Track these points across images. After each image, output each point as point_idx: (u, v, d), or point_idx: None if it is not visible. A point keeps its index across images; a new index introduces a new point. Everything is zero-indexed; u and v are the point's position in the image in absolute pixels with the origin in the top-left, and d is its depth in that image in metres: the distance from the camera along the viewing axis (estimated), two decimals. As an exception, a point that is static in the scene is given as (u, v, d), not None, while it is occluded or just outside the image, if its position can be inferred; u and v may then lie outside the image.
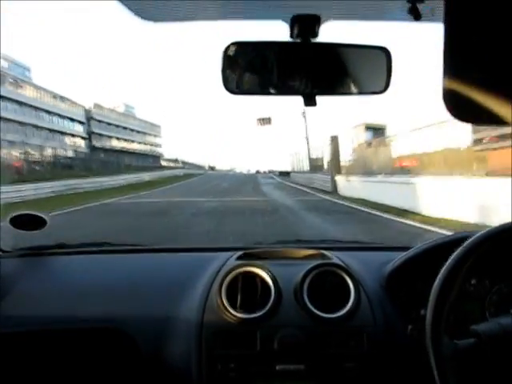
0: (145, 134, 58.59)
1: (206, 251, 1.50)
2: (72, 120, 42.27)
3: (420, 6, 0.83)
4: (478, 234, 0.89)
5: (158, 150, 64.53)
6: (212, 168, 67.86)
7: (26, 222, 1.38)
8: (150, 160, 56.29)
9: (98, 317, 1.16)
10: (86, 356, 1.14)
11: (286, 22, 0.90)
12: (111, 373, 1.14)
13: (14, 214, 1.37)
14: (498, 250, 0.88)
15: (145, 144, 58.12)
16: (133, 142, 54.06)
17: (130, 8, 0.89)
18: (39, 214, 1.39)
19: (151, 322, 1.13)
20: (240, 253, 1.30)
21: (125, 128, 51.96)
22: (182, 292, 1.18)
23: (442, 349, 0.79)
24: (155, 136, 62.49)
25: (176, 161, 62.03)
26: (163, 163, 59.20)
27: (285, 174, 39.86)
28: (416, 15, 0.85)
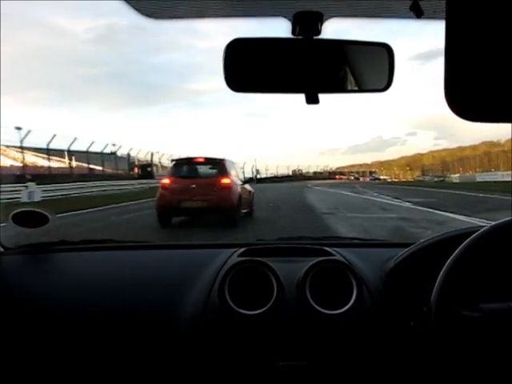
0: None
1: (208, 248, 1.51)
2: None
3: (422, 3, 0.83)
4: (483, 229, 0.89)
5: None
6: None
7: (28, 219, 1.38)
8: None
9: (100, 312, 1.17)
10: (86, 353, 1.15)
11: (288, 19, 0.89)
12: (111, 367, 1.14)
13: (16, 211, 1.37)
14: (504, 244, 0.88)
15: None
16: None
17: (131, 5, 0.89)
18: (41, 211, 1.39)
19: (153, 318, 1.14)
20: (242, 249, 1.30)
21: None
22: (184, 288, 1.18)
23: (448, 316, 0.81)
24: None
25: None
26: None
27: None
28: (418, 12, 0.84)
